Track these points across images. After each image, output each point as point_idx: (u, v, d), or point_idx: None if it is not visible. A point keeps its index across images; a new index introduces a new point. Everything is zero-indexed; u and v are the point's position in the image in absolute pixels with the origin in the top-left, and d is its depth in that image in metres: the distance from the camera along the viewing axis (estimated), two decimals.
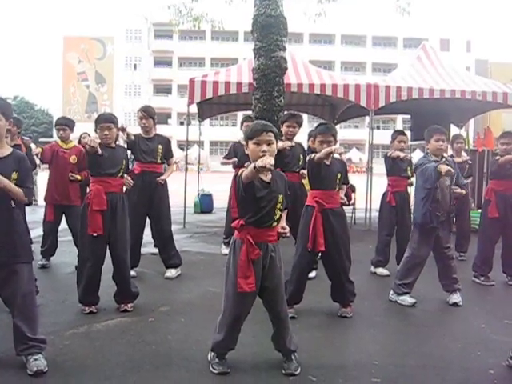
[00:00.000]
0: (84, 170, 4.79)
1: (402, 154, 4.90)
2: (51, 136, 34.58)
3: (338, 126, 6.69)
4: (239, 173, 2.50)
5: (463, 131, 10.47)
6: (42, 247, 5.01)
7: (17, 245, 2.58)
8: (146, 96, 43.91)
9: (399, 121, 40.04)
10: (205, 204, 9.95)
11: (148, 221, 4.69)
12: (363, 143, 38.38)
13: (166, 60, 46.34)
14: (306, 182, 4.30)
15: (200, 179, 9.83)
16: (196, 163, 13.31)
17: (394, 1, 9.07)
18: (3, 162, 2.52)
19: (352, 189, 7.66)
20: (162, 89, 46.47)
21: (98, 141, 3.50)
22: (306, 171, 3.81)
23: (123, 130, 4.13)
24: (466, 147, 7.82)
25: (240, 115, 23.02)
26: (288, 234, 2.70)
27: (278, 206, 2.56)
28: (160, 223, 4.64)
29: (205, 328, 3.07)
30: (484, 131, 10.00)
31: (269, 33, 6.39)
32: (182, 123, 41.96)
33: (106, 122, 3.60)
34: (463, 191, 3.99)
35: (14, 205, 2.55)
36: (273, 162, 2.29)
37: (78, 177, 4.88)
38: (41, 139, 32.58)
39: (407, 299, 3.92)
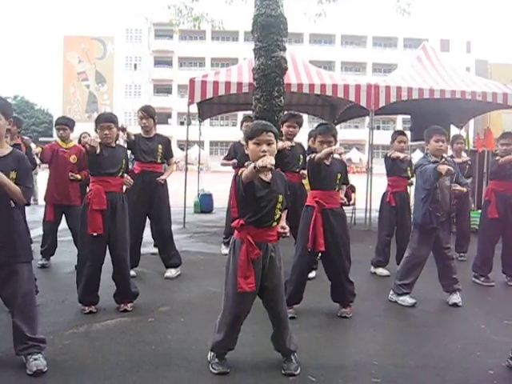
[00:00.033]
0: (84, 169, 4.79)
1: (401, 155, 4.90)
2: (51, 135, 34.57)
3: (338, 126, 6.69)
4: (239, 173, 2.50)
5: (463, 132, 10.47)
6: (41, 247, 5.01)
7: (17, 244, 2.57)
8: (146, 96, 43.93)
9: (399, 121, 40.06)
10: (205, 204, 9.95)
11: (148, 221, 4.69)
12: (363, 143, 38.39)
13: (167, 60, 46.36)
14: (306, 182, 4.30)
15: (200, 179, 9.84)
16: (196, 163, 13.32)
17: (394, 1, 9.08)
18: (2, 162, 2.51)
19: (352, 189, 7.66)
20: (163, 89, 46.47)
21: (99, 140, 3.50)
22: (306, 171, 3.81)
23: (123, 129, 4.14)
24: (466, 148, 7.82)
25: (240, 115, 23.01)
26: (288, 234, 2.69)
27: (278, 206, 2.56)
28: (160, 223, 4.64)
29: (204, 328, 3.07)
30: (484, 132, 10.00)
31: (269, 33, 6.38)
32: (182, 123, 41.96)
33: (106, 121, 3.60)
34: (464, 189, 3.97)
35: (13, 204, 2.54)
36: (273, 162, 2.29)
37: (78, 176, 4.87)
38: (41, 139, 32.57)
39: (407, 299, 3.92)
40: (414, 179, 4.38)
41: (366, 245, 6.03)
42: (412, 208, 4.53)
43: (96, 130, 3.62)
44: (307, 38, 45.23)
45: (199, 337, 3.04)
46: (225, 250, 5.58)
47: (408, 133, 6.36)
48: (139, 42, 46.11)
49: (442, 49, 34.72)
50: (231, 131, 32.75)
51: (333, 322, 3.51)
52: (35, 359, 2.55)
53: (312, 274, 4.32)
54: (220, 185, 9.59)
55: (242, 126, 5.71)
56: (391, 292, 4.04)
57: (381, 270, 4.98)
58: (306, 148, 5.07)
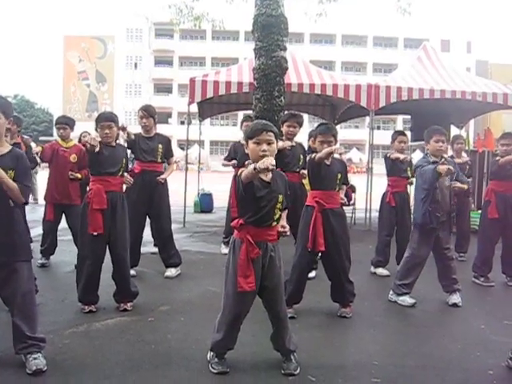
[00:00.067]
0: (84, 168, 4.79)
1: (401, 156, 4.89)
2: (51, 135, 34.57)
3: (338, 126, 6.69)
4: (239, 173, 2.50)
5: (463, 132, 10.46)
6: (41, 246, 5.01)
7: (16, 244, 2.57)
8: (146, 95, 43.95)
9: (399, 121, 40.06)
10: (205, 203, 9.95)
11: (148, 220, 4.69)
12: (363, 143, 38.38)
13: (167, 59, 46.35)
14: (306, 181, 4.30)
15: (200, 179, 9.84)
16: (196, 163, 13.31)
17: (394, 1, 9.08)
18: (1, 160, 2.49)
19: (352, 189, 7.66)
20: (163, 88, 46.47)
21: (99, 139, 3.50)
22: (306, 171, 3.81)
23: (124, 129, 4.14)
24: (466, 148, 7.82)
25: (240, 115, 23.03)
26: (288, 233, 2.69)
27: (278, 205, 2.56)
28: (160, 222, 4.64)
29: (204, 327, 3.07)
30: (484, 132, 10.00)
31: (269, 32, 6.38)
32: (182, 123, 41.98)
33: (106, 120, 3.60)
34: (464, 186, 3.95)
35: (12, 204, 2.53)
36: (274, 163, 2.29)
37: (78, 175, 4.87)
38: (41, 138, 32.56)
39: (407, 299, 3.92)
40: (414, 179, 4.37)
41: (366, 245, 6.03)
42: (412, 208, 4.53)
43: (96, 129, 3.62)
44: (308, 38, 45.23)
45: (199, 336, 3.05)
46: (225, 250, 5.58)
47: (408, 133, 6.36)
48: (140, 42, 46.11)
49: (442, 49, 34.71)
50: (231, 131, 32.75)
51: (333, 322, 3.51)
52: (35, 358, 2.55)
53: (312, 274, 4.32)
54: (220, 184, 9.60)
55: (242, 125, 5.71)
56: (391, 292, 4.04)
57: (381, 270, 4.98)
58: (306, 148, 5.07)
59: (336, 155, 3.57)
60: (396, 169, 4.99)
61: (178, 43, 44.80)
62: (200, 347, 2.85)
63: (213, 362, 2.64)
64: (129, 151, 4.22)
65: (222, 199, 8.47)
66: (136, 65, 44.63)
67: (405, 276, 3.97)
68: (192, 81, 7.71)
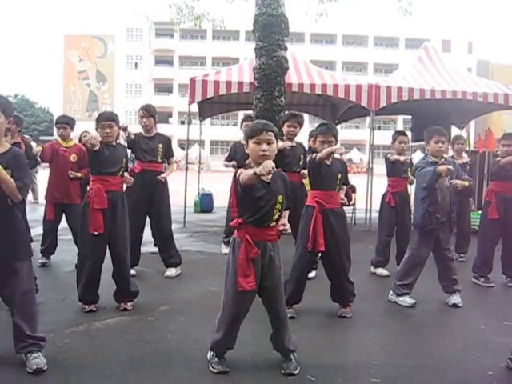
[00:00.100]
0: (84, 168, 4.79)
1: (402, 158, 4.88)
2: (52, 134, 34.57)
3: (338, 127, 6.69)
4: (238, 174, 2.50)
5: (464, 132, 10.46)
6: (41, 246, 5.01)
7: (16, 243, 2.57)
8: (146, 95, 43.94)
9: (400, 121, 40.04)
10: (205, 203, 9.96)
11: (148, 220, 4.69)
12: (364, 143, 38.36)
13: (167, 59, 46.35)
14: (306, 182, 4.30)
15: (200, 178, 9.84)
16: (196, 162, 13.32)
17: (395, 1, 9.08)
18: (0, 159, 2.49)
19: (352, 189, 7.66)
20: (163, 88, 46.47)
21: (99, 139, 3.50)
22: (306, 171, 3.80)
23: (124, 129, 4.14)
24: (467, 148, 7.82)
25: (241, 115, 23.02)
26: (288, 230, 2.69)
27: (277, 206, 2.55)
28: (160, 222, 4.64)
29: (204, 327, 3.07)
30: (485, 132, 10.01)
31: (270, 32, 6.39)
32: (182, 122, 41.99)
33: (107, 120, 3.60)
34: (465, 182, 3.94)
35: (10, 203, 2.52)
36: (274, 166, 2.29)
37: (78, 174, 4.87)
38: (41, 137, 32.56)
39: (407, 300, 3.92)
40: (414, 178, 4.36)
41: (366, 245, 6.03)
42: (412, 208, 4.53)
43: (97, 129, 3.63)
44: (308, 38, 45.20)
45: (199, 336, 3.05)
46: (225, 250, 5.59)
47: (409, 133, 6.36)
48: (140, 41, 46.10)
49: (443, 49, 34.73)
50: (232, 131, 32.77)
51: (332, 322, 3.51)
52: (35, 357, 2.55)
53: (312, 274, 4.32)
54: (220, 184, 9.60)
55: (242, 125, 5.71)
56: (391, 292, 4.04)
57: (381, 270, 4.99)
58: (306, 148, 5.07)
59: (336, 155, 3.57)
60: (396, 169, 4.98)
61: (178, 43, 44.79)
62: (200, 347, 2.86)
63: (213, 362, 2.64)
64: (129, 151, 4.22)
65: (222, 199, 8.47)
66: (136, 64, 44.66)
67: (405, 276, 3.97)
68: (192, 80, 7.72)
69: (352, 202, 7.78)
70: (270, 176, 2.53)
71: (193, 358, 2.77)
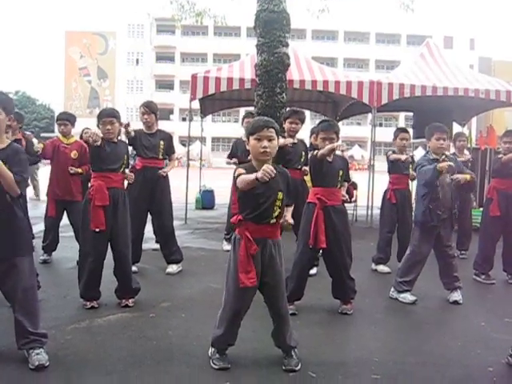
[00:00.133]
0: (85, 164, 4.80)
1: (403, 157, 4.87)
2: (53, 131, 34.60)
3: (340, 123, 6.69)
4: (236, 174, 2.50)
5: (466, 129, 10.44)
6: (43, 242, 5.02)
7: (16, 239, 2.57)
8: (148, 91, 43.91)
9: (402, 118, 39.89)
10: (206, 200, 9.96)
11: (149, 216, 4.70)
12: (365, 140, 38.31)
13: (169, 55, 46.28)
14: (307, 178, 4.30)
15: (202, 175, 9.84)
16: (198, 159, 13.33)
17: None
18: None
19: (354, 186, 7.66)
20: (164, 84, 46.42)
21: (101, 135, 3.50)
22: (307, 168, 3.80)
23: (127, 125, 4.13)
24: (469, 145, 7.81)
25: (242, 111, 22.99)
26: (291, 221, 2.68)
27: (277, 202, 2.55)
28: (161, 219, 4.64)
29: (205, 323, 3.08)
30: (487, 129, 9.99)
31: (272, 29, 6.38)
32: (184, 119, 41.96)
33: (108, 116, 3.60)
34: (467, 176, 3.92)
35: (9, 199, 2.51)
36: (274, 171, 2.28)
37: (79, 170, 4.88)
38: (42, 134, 32.54)
39: (408, 297, 3.92)
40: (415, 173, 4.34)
41: (368, 242, 6.03)
42: (414, 205, 4.53)
43: (98, 126, 3.63)
44: (310, 34, 45.10)
45: (200, 332, 3.05)
46: (226, 247, 5.59)
47: (410, 130, 6.35)
48: (141, 38, 46.03)
49: (445, 46, 34.59)
50: (233, 127, 32.78)
51: (334, 319, 3.51)
52: (37, 354, 2.56)
53: (313, 271, 4.33)
54: (222, 181, 9.61)
55: (243, 122, 5.70)
56: (392, 289, 4.05)
57: (382, 267, 4.99)
58: (308, 145, 5.06)
59: (338, 152, 3.57)
60: (397, 166, 4.98)
61: (179, 39, 44.69)
62: (201, 343, 2.86)
63: (214, 358, 2.65)
64: (130, 148, 4.22)
65: (223, 196, 8.47)
66: (137, 61, 44.61)
67: (406, 273, 3.97)
68: (194, 77, 7.70)
69: (353, 199, 7.78)
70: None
71: (194, 354, 2.78)
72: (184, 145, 28.85)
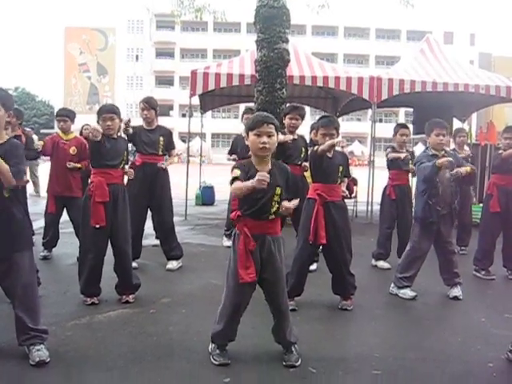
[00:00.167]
0: (84, 160, 4.79)
1: (402, 156, 4.86)
2: (52, 127, 34.55)
3: (340, 119, 6.67)
4: (231, 175, 2.50)
5: (466, 125, 10.42)
6: (43, 239, 5.02)
7: (15, 234, 2.56)
8: (147, 87, 43.83)
9: (402, 114, 39.91)
10: (206, 196, 9.97)
11: (150, 212, 4.70)
12: (365, 136, 38.25)
13: (168, 51, 46.16)
14: (307, 174, 4.29)
15: (202, 171, 9.84)
16: (198, 155, 13.32)
17: None
18: None
19: (354, 182, 7.65)
20: (164, 80, 46.32)
21: (101, 131, 3.50)
22: (307, 164, 3.79)
23: (128, 121, 4.11)
24: (469, 141, 7.79)
25: (242, 107, 22.90)
26: (291, 206, 2.64)
27: (275, 198, 2.54)
28: (161, 215, 4.64)
29: (206, 319, 3.08)
30: (487, 125, 9.95)
31: (271, 24, 6.35)
32: (183, 115, 41.89)
33: (108, 112, 3.59)
34: (467, 168, 3.90)
35: (6, 194, 2.50)
36: (268, 176, 2.32)
37: (78, 165, 4.87)
38: (42, 131, 32.50)
39: (408, 292, 3.92)
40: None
41: (368, 238, 6.03)
42: (414, 201, 4.52)
43: (98, 122, 3.62)
44: (310, 30, 44.95)
45: (200, 328, 3.06)
46: (226, 243, 5.60)
47: (410, 126, 6.34)
48: (141, 34, 45.88)
49: (445, 41, 34.54)
50: (233, 123, 32.71)
51: (334, 315, 3.52)
52: (38, 350, 2.57)
53: (313, 267, 4.33)
54: (222, 177, 9.55)
55: (242, 118, 5.70)
56: (392, 285, 4.05)
57: (382, 263, 4.99)
58: (308, 141, 5.06)
59: (338, 148, 3.56)
60: (397, 162, 4.96)
61: (179, 35, 44.57)
62: (201, 339, 2.87)
63: (214, 354, 2.66)
64: (130, 144, 4.21)
65: (223, 192, 8.46)
66: (137, 57, 44.49)
67: (406, 269, 3.97)
68: (193, 73, 7.68)
69: (353, 195, 7.77)
70: (268, 167, 2.54)
71: (194, 350, 2.78)
72: (184, 141, 28.82)
